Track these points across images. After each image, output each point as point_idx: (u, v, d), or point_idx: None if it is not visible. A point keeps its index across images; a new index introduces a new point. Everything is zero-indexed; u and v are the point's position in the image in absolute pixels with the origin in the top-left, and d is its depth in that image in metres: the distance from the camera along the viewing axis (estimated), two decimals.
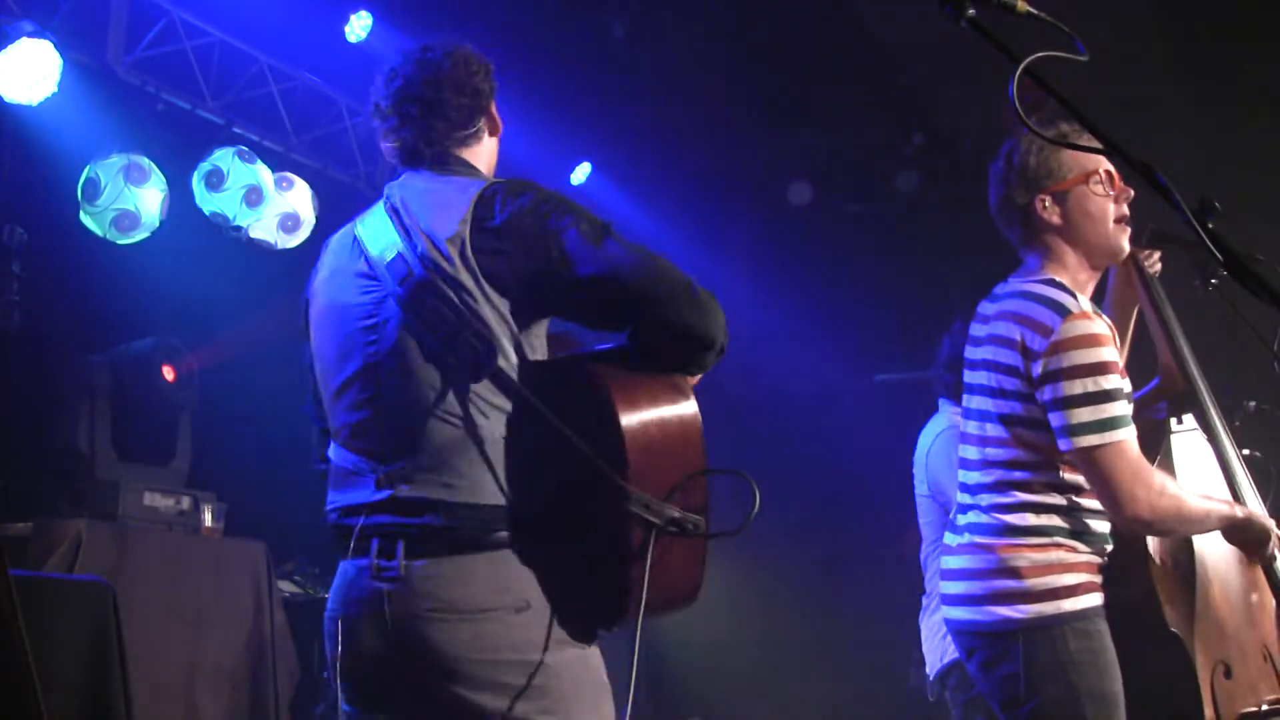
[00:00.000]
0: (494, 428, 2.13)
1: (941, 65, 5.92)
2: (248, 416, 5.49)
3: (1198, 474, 2.75)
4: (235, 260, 5.44)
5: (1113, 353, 2.46)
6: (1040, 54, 1.62)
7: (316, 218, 5.57)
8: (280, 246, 5.48)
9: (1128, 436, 2.43)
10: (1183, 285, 2.96)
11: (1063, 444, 2.43)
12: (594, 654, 2.19)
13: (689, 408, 2.19)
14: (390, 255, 2.21)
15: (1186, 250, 2.83)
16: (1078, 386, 2.41)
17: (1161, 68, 6.02)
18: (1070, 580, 2.46)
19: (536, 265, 2.13)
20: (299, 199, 5.53)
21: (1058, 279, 2.56)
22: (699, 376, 2.26)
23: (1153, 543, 2.63)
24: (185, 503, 4.59)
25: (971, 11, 1.68)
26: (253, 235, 5.36)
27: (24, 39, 4.23)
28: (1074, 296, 2.50)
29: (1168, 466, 2.72)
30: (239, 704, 4.41)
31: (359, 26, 5.64)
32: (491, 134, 2.45)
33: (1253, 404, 4.35)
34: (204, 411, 4.91)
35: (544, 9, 6.38)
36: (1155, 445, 2.73)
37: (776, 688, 7.27)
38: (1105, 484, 2.42)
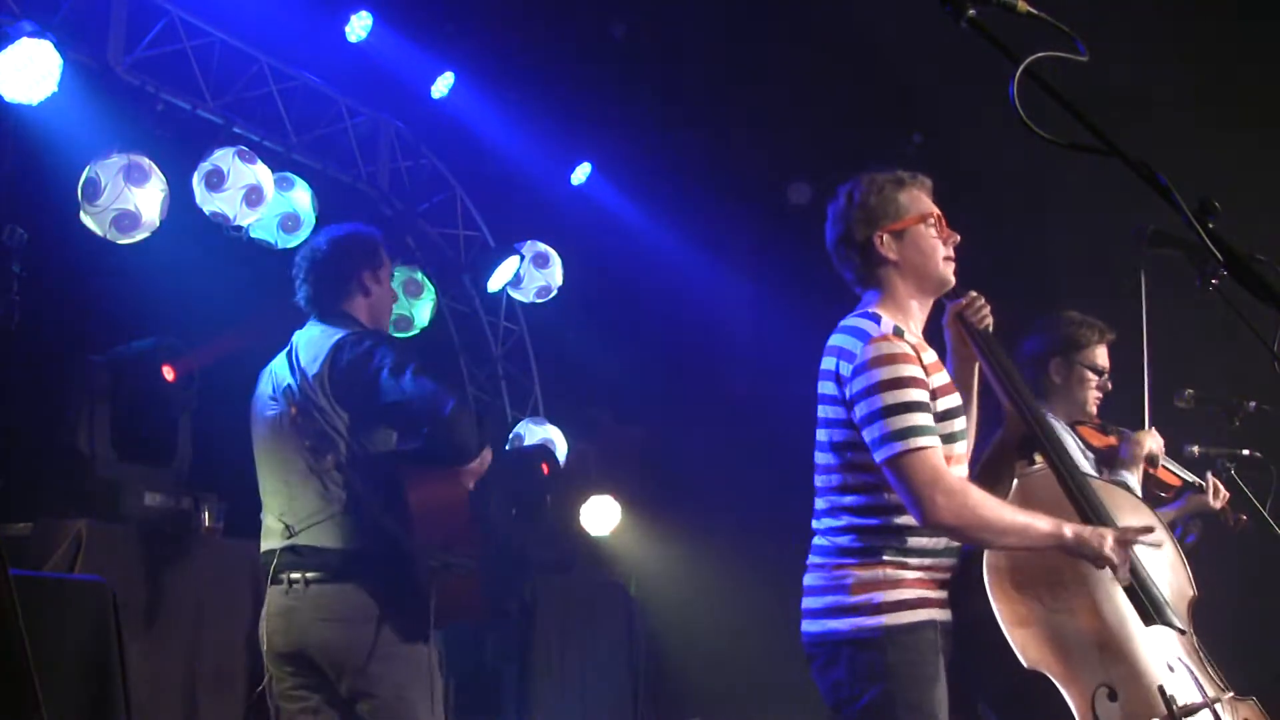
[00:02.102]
0: (347, 500, 3.29)
1: (941, 65, 5.92)
2: (248, 416, 5.48)
3: (1055, 508, 2.73)
4: (235, 260, 5.44)
5: (914, 369, 2.64)
6: (1040, 54, 1.63)
7: (316, 218, 5.57)
8: (280, 246, 5.48)
9: (928, 445, 2.58)
10: (1183, 285, 2.96)
11: (875, 457, 2.61)
12: (423, 649, 3.29)
13: (457, 489, 3.42)
14: (284, 384, 3.42)
15: (1186, 250, 2.83)
16: (879, 401, 2.60)
17: (1162, 68, 6.02)
18: (894, 596, 2.62)
19: (362, 395, 3.29)
20: (299, 199, 5.53)
21: (876, 311, 2.77)
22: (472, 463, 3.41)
23: (994, 587, 2.62)
24: (185, 503, 4.58)
25: (972, 11, 1.69)
26: (253, 235, 5.35)
27: (24, 39, 4.22)
28: (878, 322, 2.72)
29: (1025, 505, 2.73)
30: (239, 704, 4.41)
31: (359, 26, 5.64)
32: (366, 295, 3.55)
33: (1253, 404, 4.35)
34: (204, 411, 4.91)
35: (544, 9, 6.38)
36: (1003, 487, 2.79)
37: (777, 688, 7.27)
38: (906, 491, 2.58)
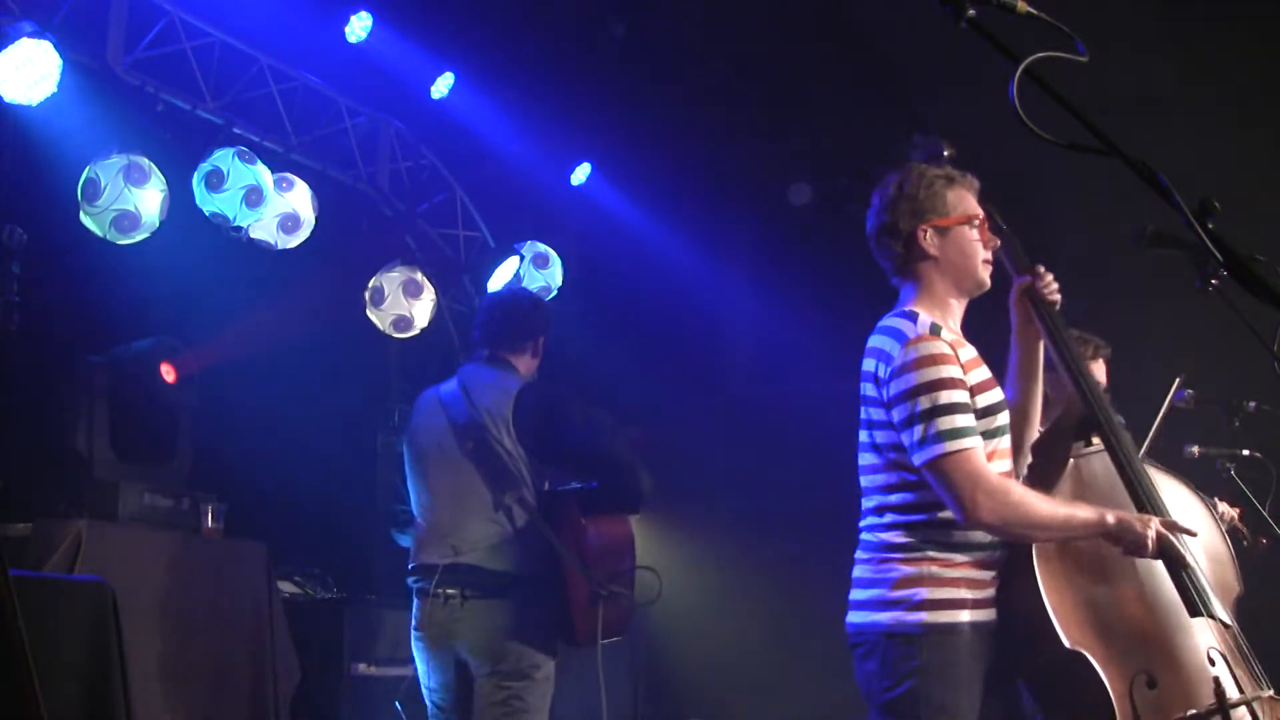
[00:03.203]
0: (521, 528, 3.73)
1: (941, 65, 5.92)
2: (248, 416, 5.48)
3: (1110, 491, 2.77)
4: (235, 260, 5.44)
5: (952, 369, 2.65)
6: (1040, 54, 1.63)
7: (316, 218, 5.57)
8: (280, 247, 5.47)
9: (969, 446, 2.60)
10: (1183, 285, 2.95)
11: (914, 460, 2.64)
12: (552, 665, 3.83)
13: (625, 529, 3.89)
14: (461, 418, 3.79)
15: (1186, 250, 2.83)
16: (917, 405, 2.62)
17: (1161, 67, 6.02)
18: (936, 595, 2.64)
19: (546, 438, 3.76)
20: (299, 199, 5.52)
21: (913, 310, 2.79)
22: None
23: (1041, 564, 2.64)
24: (185, 503, 4.58)
25: (971, 12, 1.69)
26: (253, 235, 5.35)
27: (24, 39, 4.22)
28: (915, 322, 2.73)
29: (1079, 486, 2.80)
30: (239, 704, 4.41)
31: (359, 27, 5.63)
32: (534, 355, 4.04)
33: (1253, 404, 4.36)
34: (204, 411, 4.91)
35: (544, 9, 6.38)
36: (1058, 467, 2.83)
37: (776, 688, 7.27)
38: (948, 492, 2.61)
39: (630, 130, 7.13)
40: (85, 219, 4.72)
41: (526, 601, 3.77)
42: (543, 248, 6.73)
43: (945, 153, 2.93)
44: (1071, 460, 2.84)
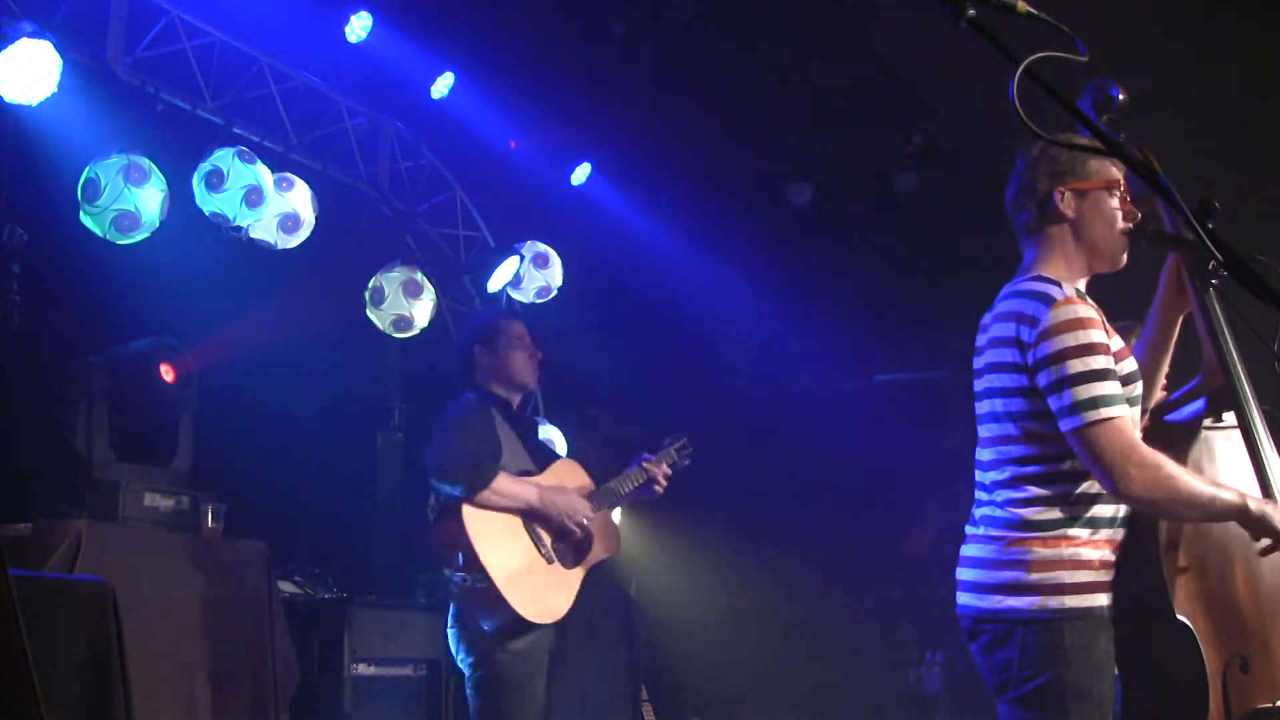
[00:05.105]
0: None
1: (941, 65, 5.92)
2: (248, 416, 5.49)
3: (1234, 471, 2.74)
4: (235, 260, 5.44)
5: (1100, 334, 2.58)
6: (1040, 54, 1.63)
7: (316, 218, 5.56)
8: (280, 246, 5.47)
9: (1119, 414, 2.52)
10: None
11: (1061, 425, 2.54)
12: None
13: (452, 525, 3.98)
14: None
15: (1187, 250, 2.84)
16: (1067, 368, 2.53)
17: (1162, 68, 6.02)
18: (1076, 578, 2.57)
19: None
20: (299, 199, 5.52)
21: (1046, 274, 2.69)
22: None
23: (1164, 530, 2.64)
24: (185, 503, 4.59)
25: (972, 12, 1.68)
26: (253, 235, 5.35)
27: (24, 39, 4.22)
28: (1059, 286, 2.63)
29: (1203, 462, 2.75)
30: (239, 704, 4.41)
31: (359, 27, 5.63)
32: (485, 365, 4.28)
33: None
34: (204, 411, 4.91)
35: (544, 9, 6.38)
36: (1187, 439, 2.77)
37: (777, 688, 7.27)
38: (1098, 461, 2.52)
39: (630, 130, 7.13)
40: (85, 219, 4.72)
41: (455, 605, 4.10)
42: (543, 248, 6.73)
43: (1119, 95, 2.82)
44: (1203, 431, 2.78)
